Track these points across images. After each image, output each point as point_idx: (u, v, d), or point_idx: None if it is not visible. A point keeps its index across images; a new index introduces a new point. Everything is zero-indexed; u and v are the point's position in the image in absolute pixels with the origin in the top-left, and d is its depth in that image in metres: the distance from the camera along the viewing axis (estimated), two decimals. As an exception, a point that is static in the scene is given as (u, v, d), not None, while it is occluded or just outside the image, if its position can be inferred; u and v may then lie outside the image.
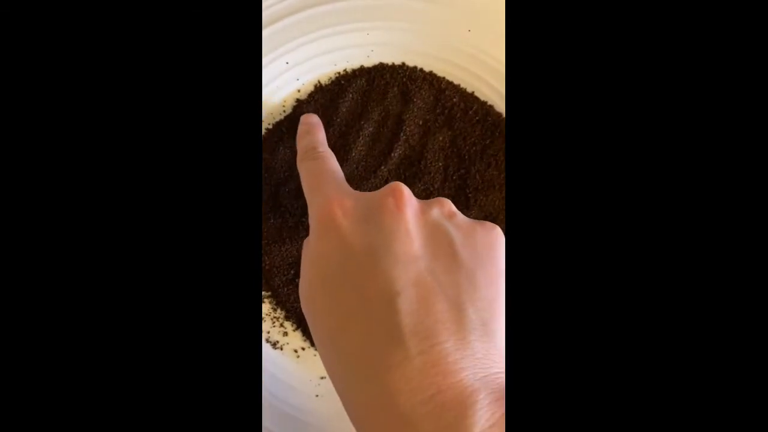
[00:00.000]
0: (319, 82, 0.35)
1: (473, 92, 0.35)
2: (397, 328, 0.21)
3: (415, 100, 0.34)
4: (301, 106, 0.34)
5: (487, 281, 0.24)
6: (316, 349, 0.32)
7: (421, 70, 0.35)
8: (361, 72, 0.35)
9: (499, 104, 0.34)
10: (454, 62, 0.35)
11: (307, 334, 0.32)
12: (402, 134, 0.34)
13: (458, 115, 0.34)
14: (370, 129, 0.34)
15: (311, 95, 0.35)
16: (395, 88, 0.34)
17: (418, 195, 0.27)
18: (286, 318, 0.33)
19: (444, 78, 0.35)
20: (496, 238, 0.25)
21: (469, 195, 0.33)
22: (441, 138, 0.34)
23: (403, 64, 0.35)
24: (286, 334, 0.32)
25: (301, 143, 0.31)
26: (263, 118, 0.34)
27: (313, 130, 0.31)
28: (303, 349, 0.32)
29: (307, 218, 0.28)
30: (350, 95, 0.34)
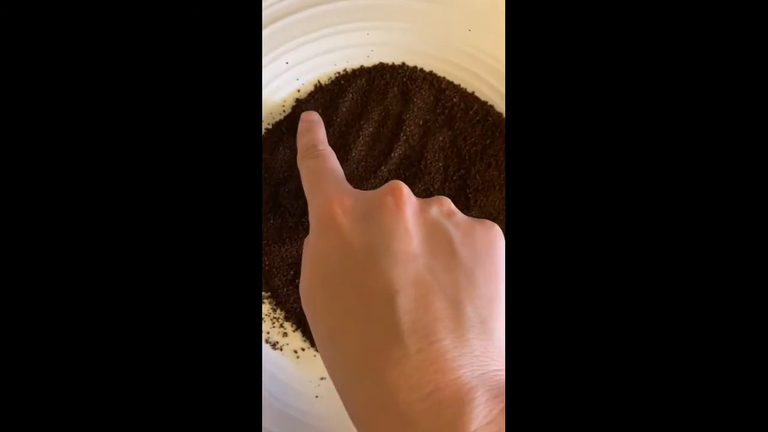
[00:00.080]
0: (319, 81, 0.35)
1: (473, 92, 0.35)
2: (396, 326, 0.21)
3: (415, 100, 0.34)
4: (300, 106, 0.34)
5: (486, 279, 0.24)
6: (316, 350, 0.32)
7: (421, 70, 0.35)
8: (361, 72, 0.35)
9: (500, 104, 0.34)
10: (455, 62, 0.35)
11: (307, 334, 0.32)
12: (402, 134, 0.34)
13: (458, 115, 0.34)
14: (370, 129, 0.34)
15: (311, 95, 0.34)
16: (395, 88, 0.34)
17: (418, 195, 0.27)
18: (286, 318, 0.32)
19: (444, 78, 0.35)
20: (495, 236, 0.25)
21: (469, 195, 0.33)
22: (441, 138, 0.34)
23: (403, 64, 0.35)
24: (285, 334, 0.32)
25: (301, 141, 0.31)
26: (263, 118, 0.34)
27: (314, 128, 0.31)
28: (303, 349, 0.32)
29: (307, 218, 0.28)
30: (350, 95, 0.34)
